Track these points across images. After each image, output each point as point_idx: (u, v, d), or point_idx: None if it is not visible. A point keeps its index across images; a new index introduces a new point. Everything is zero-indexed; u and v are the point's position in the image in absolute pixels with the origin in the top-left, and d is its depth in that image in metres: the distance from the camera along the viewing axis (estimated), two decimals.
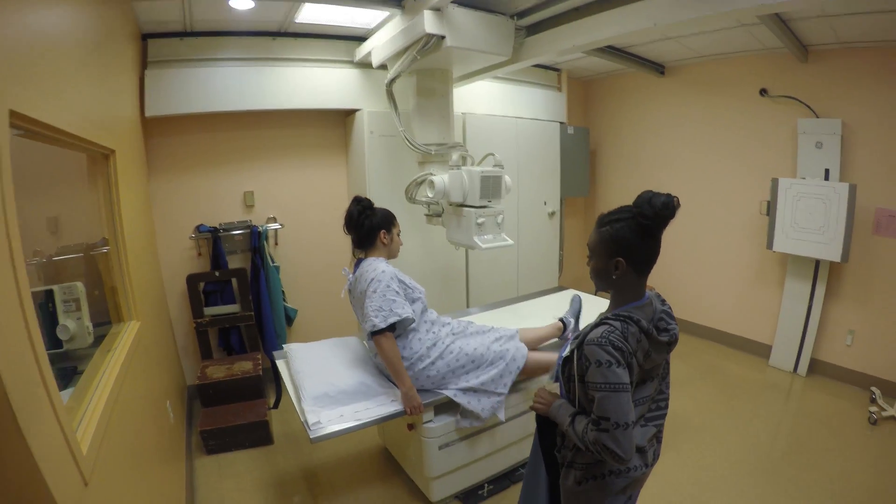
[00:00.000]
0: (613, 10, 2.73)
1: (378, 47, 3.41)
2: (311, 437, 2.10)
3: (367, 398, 2.37)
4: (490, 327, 2.74)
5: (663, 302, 1.51)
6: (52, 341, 1.78)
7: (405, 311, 2.32)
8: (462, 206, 3.15)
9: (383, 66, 3.53)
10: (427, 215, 3.55)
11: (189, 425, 3.47)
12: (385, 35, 3.30)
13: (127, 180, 2.47)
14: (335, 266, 4.38)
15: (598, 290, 1.51)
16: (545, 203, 5.13)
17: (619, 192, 5.92)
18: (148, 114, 3.26)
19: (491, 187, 3.09)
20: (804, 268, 4.13)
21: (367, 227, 2.49)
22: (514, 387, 2.62)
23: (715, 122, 4.76)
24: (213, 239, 3.74)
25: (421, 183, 3.40)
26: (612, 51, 4.47)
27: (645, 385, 1.45)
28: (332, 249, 4.33)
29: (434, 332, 2.53)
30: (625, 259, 1.39)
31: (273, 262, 3.94)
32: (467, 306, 4.55)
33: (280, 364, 2.82)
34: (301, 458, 3.18)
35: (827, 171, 3.88)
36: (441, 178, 3.19)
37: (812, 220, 3.86)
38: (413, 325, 2.45)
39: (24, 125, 1.25)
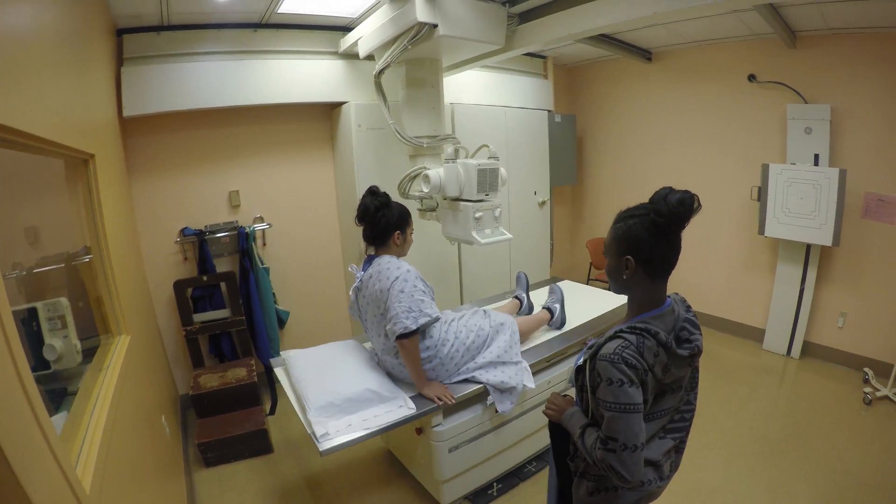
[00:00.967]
0: None
1: (365, 37, 3.29)
2: (320, 450, 2.01)
3: (373, 405, 2.29)
4: (476, 309, 2.79)
5: (688, 309, 1.41)
6: (39, 362, 1.67)
7: (434, 310, 2.30)
8: (458, 200, 3.07)
9: (370, 57, 3.42)
10: (420, 210, 3.45)
11: (185, 437, 3.35)
12: (373, 24, 3.18)
13: (108, 185, 2.34)
14: (326, 265, 4.28)
15: (616, 292, 1.44)
16: (535, 193, 5.08)
17: (607, 180, 5.91)
18: (126, 114, 3.09)
19: (488, 180, 3.01)
20: (795, 252, 4.17)
21: (383, 225, 2.40)
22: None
23: (703, 109, 4.75)
24: (199, 242, 3.60)
25: (415, 177, 3.30)
26: (600, 37, 4.41)
27: (665, 397, 1.37)
28: (321, 248, 4.23)
29: (443, 319, 2.51)
30: (634, 258, 1.31)
31: (262, 263, 3.81)
32: (461, 301, 4.49)
33: (279, 372, 2.72)
34: (303, 466, 3.09)
35: (816, 156, 3.90)
36: (436, 172, 3.09)
37: (803, 205, 3.88)
38: None
39: None
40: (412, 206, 3.48)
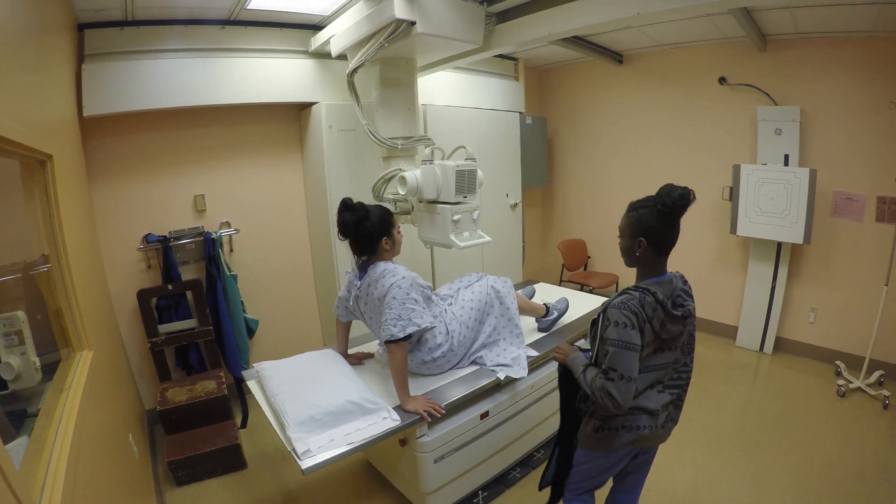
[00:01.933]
0: None
1: (338, 35, 3.18)
2: (302, 468, 1.90)
3: (356, 417, 2.18)
4: (464, 280, 2.88)
5: (685, 282, 1.74)
6: None
7: (424, 320, 2.28)
8: (436, 202, 3.00)
9: (342, 57, 3.32)
10: (394, 213, 3.36)
11: (153, 455, 3.17)
12: (347, 21, 3.08)
13: (66, 189, 2.17)
14: (295, 271, 4.14)
15: (627, 265, 1.77)
16: (507, 195, 5.05)
17: (578, 182, 5.92)
18: (86, 113, 2.90)
19: (466, 182, 2.95)
20: (767, 250, 4.25)
21: (367, 236, 2.35)
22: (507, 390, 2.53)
23: (674, 110, 4.81)
24: (164, 249, 3.41)
25: (389, 179, 3.21)
26: (572, 39, 4.41)
27: (663, 353, 1.66)
28: (290, 254, 4.10)
29: (438, 316, 2.56)
30: (646, 239, 1.64)
31: (230, 270, 3.64)
32: None
33: (252, 385, 2.58)
34: (279, 482, 2.96)
35: (787, 156, 3.98)
36: (413, 173, 3.01)
37: (775, 204, 3.95)
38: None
39: None
40: None
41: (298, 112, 3.93)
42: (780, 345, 4.39)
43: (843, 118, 3.81)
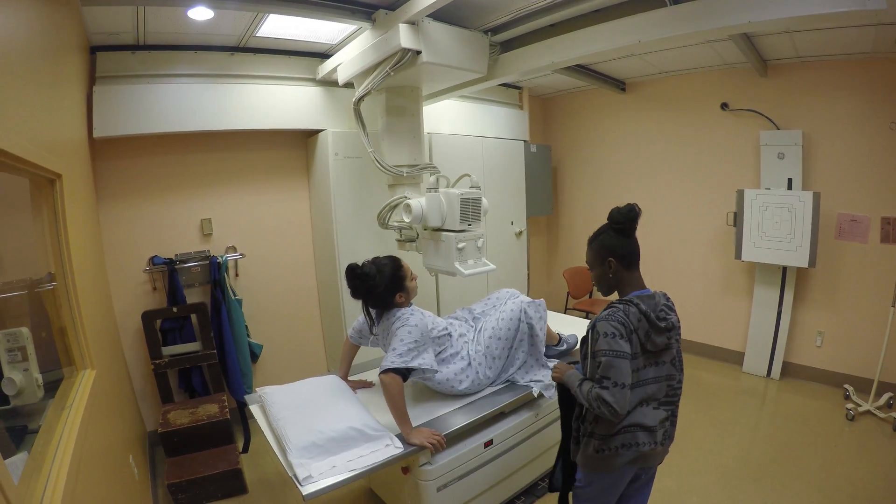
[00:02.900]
0: (589, 28, 2.73)
1: (345, 63, 3.25)
2: (303, 494, 1.88)
3: (358, 444, 2.16)
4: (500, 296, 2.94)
5: (668, 299, 1.83)
6: None
7: (422, 362, 2.31)
8: (440, 230, 3.01)
9: (349, 85, 3.36)
10: (399, 241, 3.36)
11: (153, 477, 3.13)
12: (353, 50, 3.15)
13: (75, 208, 2.20)
14: (299, 296, 4.14)
15: (605, 295, 1.88)
16: (512, 223, 5.07)
17: (583, 210, 5.93)
18: (96, 134, 2.95)
19: (471, 210, 2.95)
20: (772, 275, 4.23)
21: (380, 296, 2.43)
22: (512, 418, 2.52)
23: (677, 137, 4.85)
24: (170, 271, 3.43)
25: (395, 207, 3.23)
26: (575, 67, 4.48)
27: (653, 367, 1.73)
28: (295, 280, 4.10)
29: (460, 351, 2.62)
30: (614, 258, 1.78)
31: (234, 294, 3.65)
32: None
33: (254, 409, 2.56)
34: None
35: (790, 180, 3.99)
36: (418, 201, 3.02)
37: (779, 228, 3.95)
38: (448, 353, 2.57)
39: None
40: (391, 237, 3.41)
41: (305, 139, 3.98)
42: (788, 370, 4.34)
43: (844, 140, 3.84)
